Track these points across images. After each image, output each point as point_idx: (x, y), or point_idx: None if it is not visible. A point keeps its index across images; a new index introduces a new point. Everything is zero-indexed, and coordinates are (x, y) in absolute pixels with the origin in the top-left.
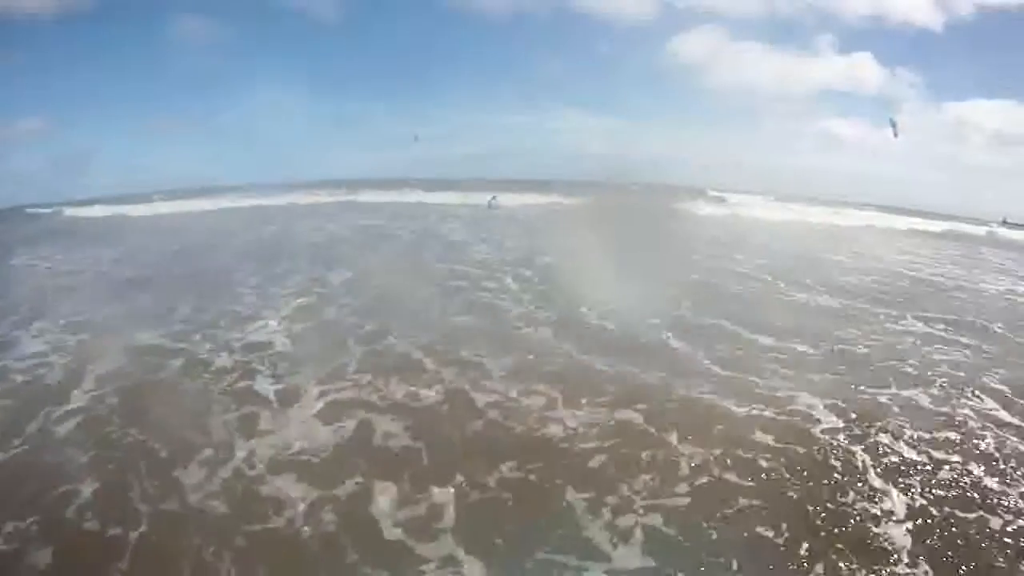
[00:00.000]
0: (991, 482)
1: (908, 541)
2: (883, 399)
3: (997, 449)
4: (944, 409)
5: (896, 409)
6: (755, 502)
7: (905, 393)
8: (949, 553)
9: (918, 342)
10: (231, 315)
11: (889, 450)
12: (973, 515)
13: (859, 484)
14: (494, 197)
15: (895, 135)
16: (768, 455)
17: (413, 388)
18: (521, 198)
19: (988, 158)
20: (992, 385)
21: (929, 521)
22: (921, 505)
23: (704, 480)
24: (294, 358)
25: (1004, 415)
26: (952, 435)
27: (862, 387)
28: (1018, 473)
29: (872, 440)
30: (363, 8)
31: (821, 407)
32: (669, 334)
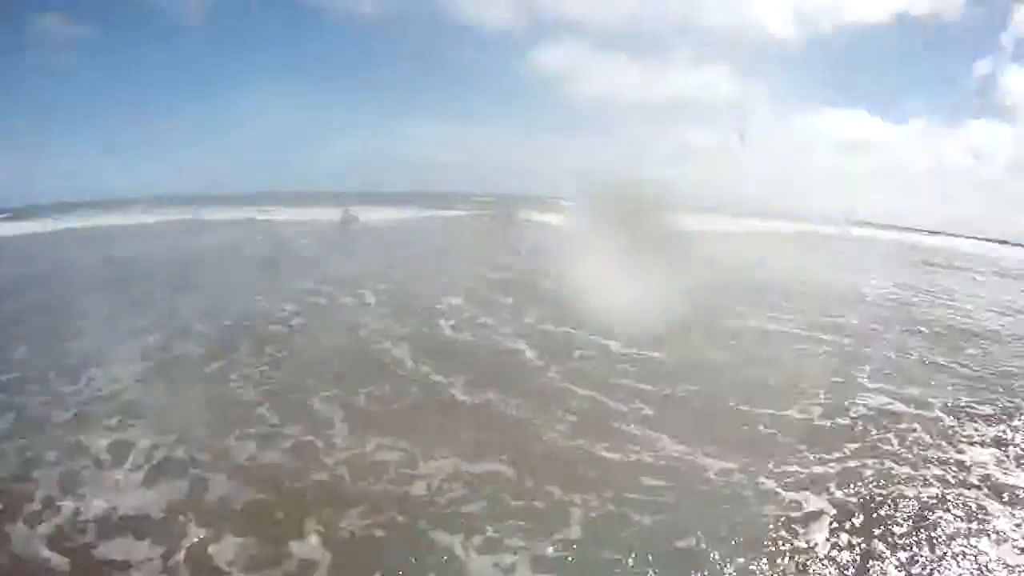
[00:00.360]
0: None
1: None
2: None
3: (884, 463)
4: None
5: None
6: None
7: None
8: None
9: (774, 338)
10: (71, 357)
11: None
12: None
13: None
14: (347, 210)
15: (742, 143)
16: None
17: (253, 446)
18: (377, 212)
19: (837, 163)
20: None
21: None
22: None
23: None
24: (131, 408)
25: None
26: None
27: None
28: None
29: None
30: (227, 8)
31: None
32: (522, 344)
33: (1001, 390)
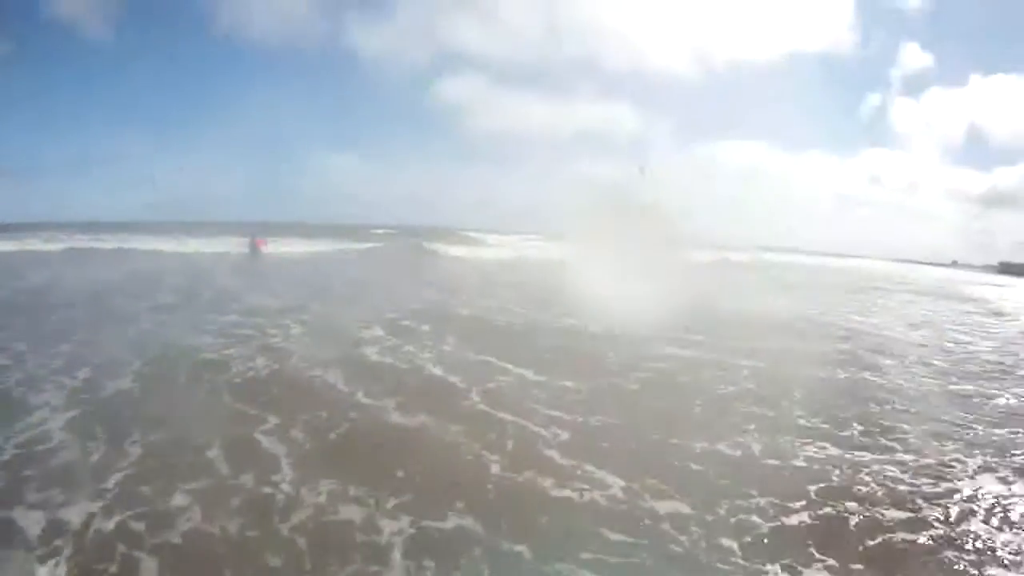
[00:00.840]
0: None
1: None
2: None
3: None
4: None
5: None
6: None
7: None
8: None
9: (690, 365)
10: None
11: None
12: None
13: None
14: (254, 239)
15: (642, 176)
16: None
17: (198, 509)
18: (285, 243)
19: (737, 192)
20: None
21: None
22: None
23: None
24: (59, 470)
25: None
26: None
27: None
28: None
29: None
30: (135, 26)
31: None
32: (439, 369)
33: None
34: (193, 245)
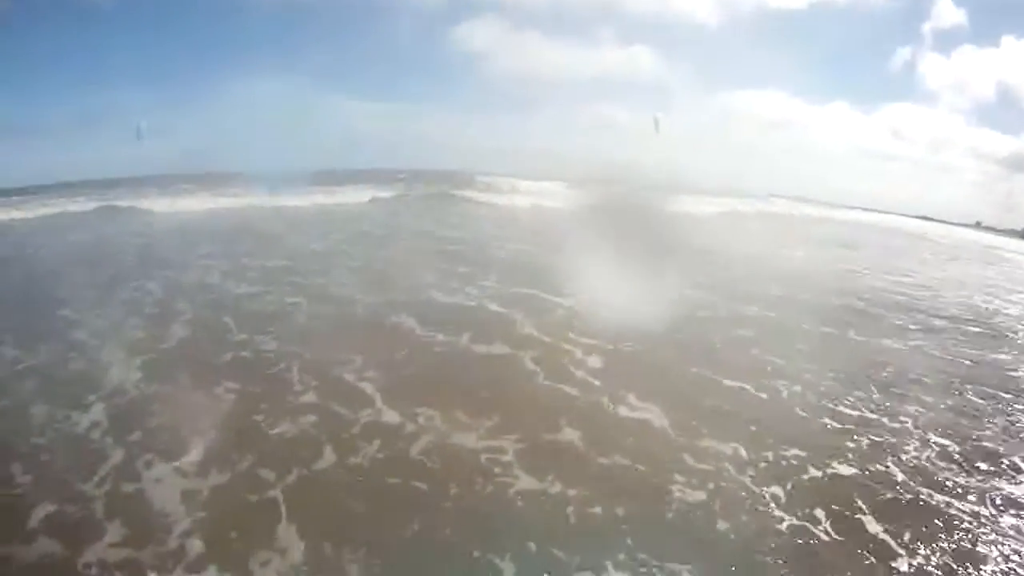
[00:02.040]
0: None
1: None
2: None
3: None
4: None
5: None
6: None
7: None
8: None
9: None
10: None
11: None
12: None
13: None
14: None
15: (657, 131)
16: None
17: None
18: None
19: (756, 142)
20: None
21: None
22: None
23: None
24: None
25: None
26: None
27: None
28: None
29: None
30: None
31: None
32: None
33: None
34: (223, 202)
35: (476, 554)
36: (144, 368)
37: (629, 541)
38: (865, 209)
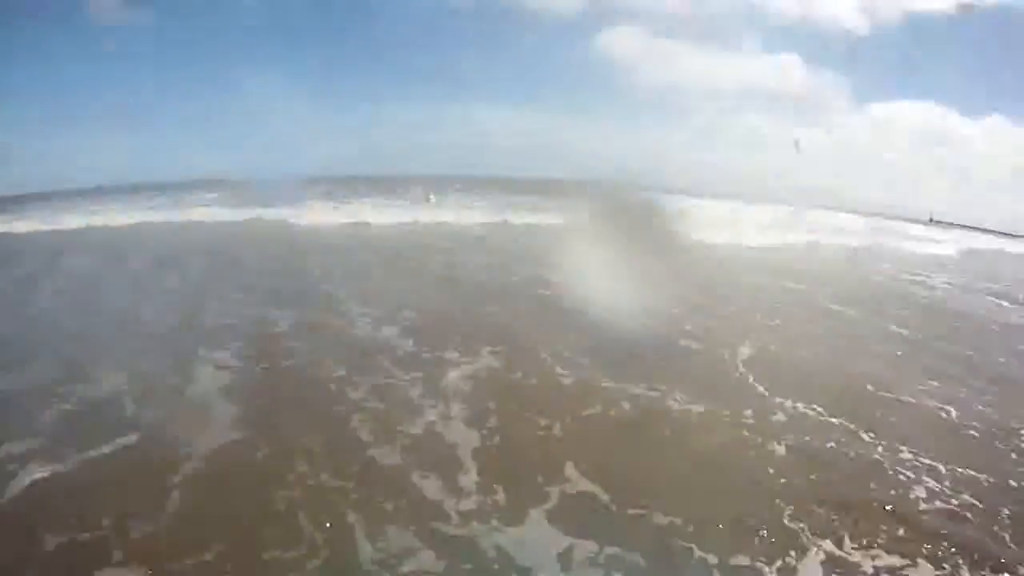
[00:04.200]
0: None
1: None
2: None
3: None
4: None
5: None
6: None
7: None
8: None
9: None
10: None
11: None
12: None
13: None
14: (428, 195)
15: (797, 151)
16: None
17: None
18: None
19: (910, 157)
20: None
21: None
22: None
23: None
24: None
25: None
26: None
27: None
28: None
29: None
30: None
31: None
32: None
33: None
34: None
35: None
36: None
37: None
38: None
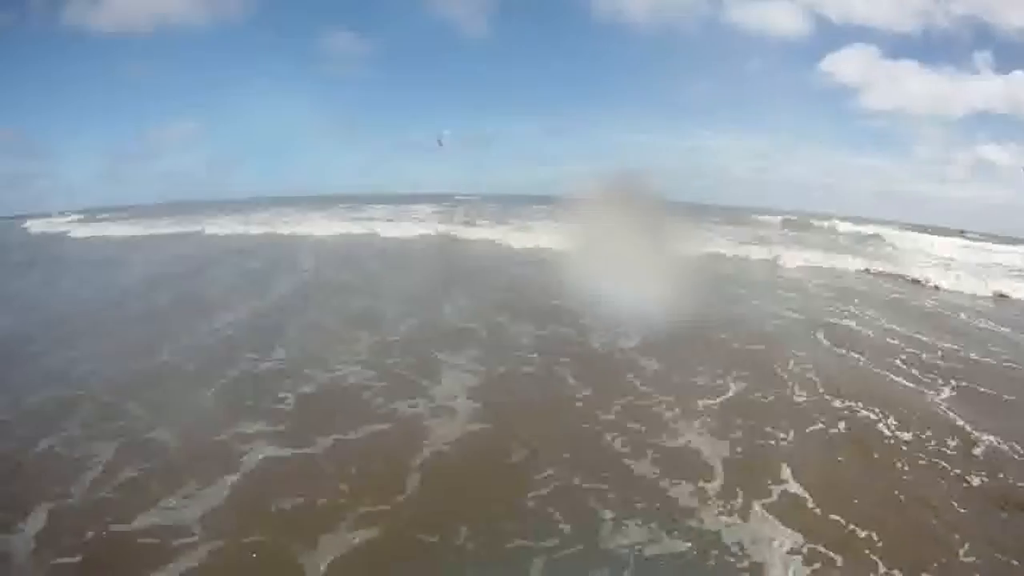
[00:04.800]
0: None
1: None
2: None
3: None
4: None
5: None
6: None
7: None
8: None
9: None
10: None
11: None
12: None
13: None
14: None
15: None
16: None
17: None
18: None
19: None
20: None
21: None
22: None
23: None
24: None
25: None
26: None
27: None
28: None
29: None
30: (511, 20)
31: None
32: None
33: None
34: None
35: None
36: None
37: None
38: None
